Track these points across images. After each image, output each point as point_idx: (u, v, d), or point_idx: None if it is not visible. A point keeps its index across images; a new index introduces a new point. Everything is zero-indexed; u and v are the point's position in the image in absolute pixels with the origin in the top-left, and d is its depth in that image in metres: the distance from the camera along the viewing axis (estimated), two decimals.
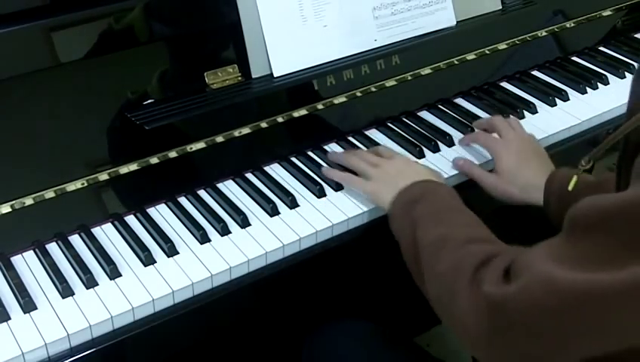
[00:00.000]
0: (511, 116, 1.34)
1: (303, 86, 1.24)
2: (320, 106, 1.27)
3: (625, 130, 0.78)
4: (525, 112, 1.39)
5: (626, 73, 1.53)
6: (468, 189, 1.20)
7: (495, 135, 1.23)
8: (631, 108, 0.79)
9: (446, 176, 1.21)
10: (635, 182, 0.71)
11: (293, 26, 1.23)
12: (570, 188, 0.94)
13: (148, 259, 1.03)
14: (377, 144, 1.28)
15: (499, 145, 1.19)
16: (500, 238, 0.96)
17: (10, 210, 1.04)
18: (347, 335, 1.16)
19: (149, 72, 1.15)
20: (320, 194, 1.16)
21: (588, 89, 1.47)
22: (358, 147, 1.28)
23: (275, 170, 1.23)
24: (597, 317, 0.70)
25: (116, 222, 1.10)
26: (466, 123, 1.34)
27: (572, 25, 1.59)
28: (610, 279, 0.68)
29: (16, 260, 1.04)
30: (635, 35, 1.69)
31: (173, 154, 1.15)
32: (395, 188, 1.04)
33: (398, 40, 1.33)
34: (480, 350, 0.80)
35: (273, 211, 1.13)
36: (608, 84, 1.50)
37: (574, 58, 1.59)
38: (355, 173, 1.16)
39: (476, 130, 1.29)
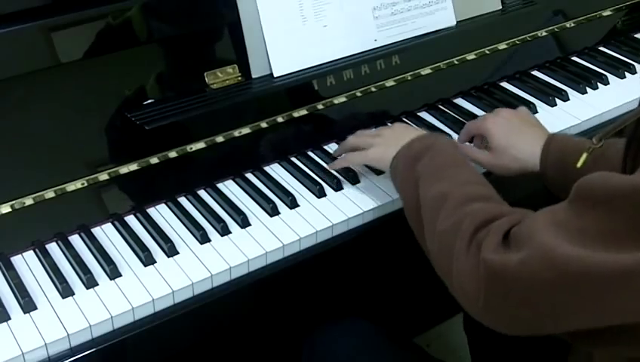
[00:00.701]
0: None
1: (303, 86, 1.24)
2: (320, 106, 1.27)
3: (638, 114, 0.78)
4: None
5: (626, 73, 1.53)
6: None
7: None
8: None
9: None
10: None
11: (293, 26, 1.23)
12: (578, 165, 0.93)
13: (148, 259, 1.04)
14: None
15: (488, 122, 1.19)
16: None
17: (10, 210, 1.04)
18: (347, 335, 1.16)
19: (149, 72, 1.15)
20: (320, 194, 1.16)
21: (588, 89, 1.47)
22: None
23: (275, 170, 1.23)
24: (593, 296, 0.70)
25: (116, 222, 1.10)
26: (465, 123, 1.34)
27: (572, 25, 1.59)
28: (611, 260, 0.68)
29: (16, 260, 1.04)
30: (635, 35, 1.69)
31: (173, 154, 1.15)
32: (396, 148, 1.04)
33: (398, 40, 1.33)
34: (474, 310, 0.81)
35: (273, 211, 1.13)
36: (608, 84, 1.50)
37: (574, 58, 1.59)
38: None
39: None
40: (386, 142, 1.09)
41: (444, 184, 0.92)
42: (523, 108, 1.25)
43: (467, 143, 1.23)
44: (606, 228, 0.69)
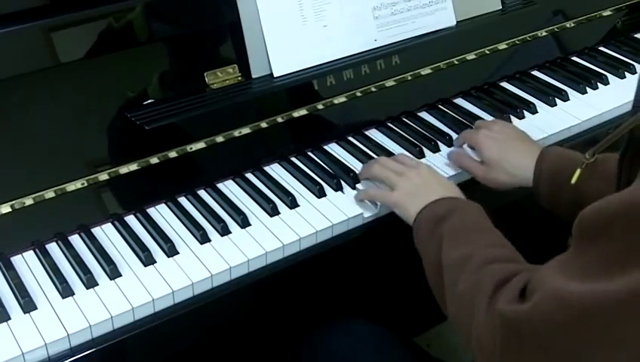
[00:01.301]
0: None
1: (303, 86, 1.24)
2: (320, 106, 1.27)
3: (630, 125, 0.77)
4: (525, 112, 1.39)
5: (626, 73, 1.53)
6: (468, 188, 1.19)
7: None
8: (637, 103, 0.79)
9: (446, 175, 1.21)
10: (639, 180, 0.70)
11: (293, 26, 1.23)
12: (573, 181, 0.93)
13: (148, 259, 1.04)
14: (377, 144, 1.28)
15: (480, 135, 1.19)
16: None
17: (10, 210, 1.04)
18: (347, 335, 1.16)
19: (149, 72, 1.15)
20: (320, 194, 1.16)
21: (588, 89, 1.47)
22: (357, 147, 1.28)
23: (275, 170, 1.23)
24: (607, 329, 0.69)
25: (116, 222, 1.10)
26: (466, 123, 1.34)
27: (572, 25, 1.59)
28: (616, 287, 0.67)
29: (16, 260, 1.04)
30: (635, 35, 1.69)
31: (173, 154, 1.15)
32: (420, 200, 1.02)
33: (398, 40, 1.33)
34: None
35: (273, 211, 1.13)
36: (608, 84, 1.50)
37: (574, 58, 1.59)
38: None
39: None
40: (409, 190, 1.07)
41: (468, 247, 0.91)
42: (514, 126, 1.25)
43: (465, 153, 1.23)
44: (609, 257, 0.68)
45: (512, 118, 1.36)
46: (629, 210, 0.67)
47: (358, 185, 1.18)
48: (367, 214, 1.13)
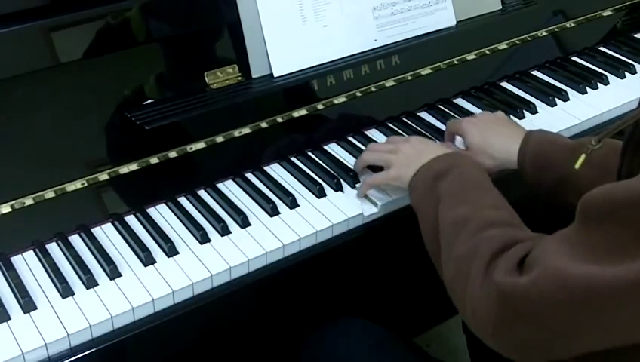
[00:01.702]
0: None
1: (303, 86, 1.24)
2: (320, 106, 1.27)
3: (636, 116, 0.78)
4: (525, 112, 1.39)
5: (626, 73, 1.53)
6: None
7: None
8: None
9: None
10: None
11: (293, 26, 1.23)
12: (577, 166, 0.93)
13: (148, 259, 1.04)
14: None
15: (463, 123, 1.20)
16: None
17: (10, 210, 1.04)
18: (347, 335, 1.16)
19: (149, 72, 1.15)
20: (320, 194, 1.16)
21: (588, 89, 1.47)
22: (357, 147, 1.28)
23: (275, 170, 1.23)
24: (605, 312, 0.69)
25: (116, 222, 1.10)
26: None
27: (572, 25, 1.59)
28: (621, 272, 0.67)
29: (16, 260, 1.04)
30: (635, 35, 1.69)
31: (173, 154, 1.15)
32: (417, 164, 1.02)
33: (398, 40, 1.33)
34: (485, 334, 0.80)
35: (273, 211, 1.13)
36: (608, 84, 1.50)
37: (574, 58, 1.59)
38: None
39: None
40: (406, 161, 1.06)
41: (466, 208, 0.90)
42: (500, 112, 1.25)
43: (449, 143, 1.23)
44: (614, 242, 0.69)
45: (512, 118, 1.36)
46: (637, 200, 0.67)
47: (358, 185, 1.18)
48: (367, 213, 1.13)
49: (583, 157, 0.93)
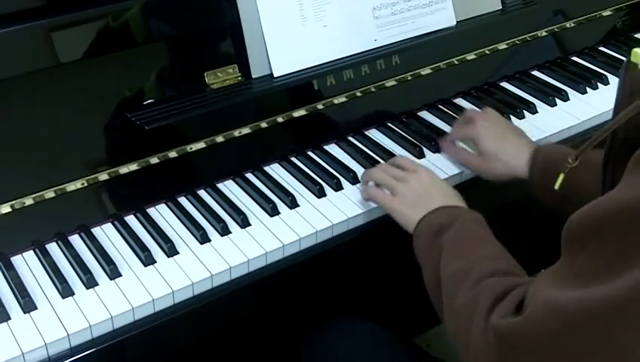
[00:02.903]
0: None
1: (303, 86, 1.24)
2: (320, 106, 1.27)
3: (612, 127, 0.77)
4: (525, 112, 1.39)
5: None
6: (469, 188, 1.20)
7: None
8: (617, 105, 0.79)
9: (447, 175, 1.21)
10: (630, 181, 0.69)
11: (293, 26, 1.23)
12: (556, 186, 0.93)
13: (148, 259, 1.04)
14: (377, 144, 1.28)
15: (477, 127, 1.20)
16: (499, 238, 0.96)
17: (10, 210, 1.04)
18: (347, 335, 1.16)
19: (149, 72, 1.15)
20: (320, 194, 1.16)
21: (588, 89, 1.47)
22: (357, 147, 1.28)
23: (275, 170, 1.23)
24: (602, 335, 0.68)
25: (116, 222, 1.10)
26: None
27: (572, 25, 1.59)
28: (611, 291, 0.66)
29: (16, 260, 1.04)
30: (635, 35, 1.69)
31: (173, 154, 1.15)
32: (420, 210, 1.02)
33: (398, 40, 1.33)
34: None
35: (273, 211, 1.13)
36: (608, 84, 1.50)
37: (574, 58, 1.59)
38: None
39: (457, 126, 1.29)
40: (410, 197, 1.06)
41: (466, 261, 0.90)
42: (502, 116, 1.26)
43: (460, 147, 1.23)
44: (599, 261, 0.68)
45: (512, 118, 1.36)
46: (616, 214, 0.67)
47: (358, 185, 1.18)
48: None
49: (561, 176, 0.94)
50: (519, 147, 1.15)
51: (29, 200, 1.05)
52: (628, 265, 0.66)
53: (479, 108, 1.40)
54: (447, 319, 0.90)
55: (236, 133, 1.20)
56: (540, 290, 0.73)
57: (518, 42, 1.50)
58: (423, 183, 1.08)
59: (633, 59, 0.76)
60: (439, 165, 1.23)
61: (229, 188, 1.19)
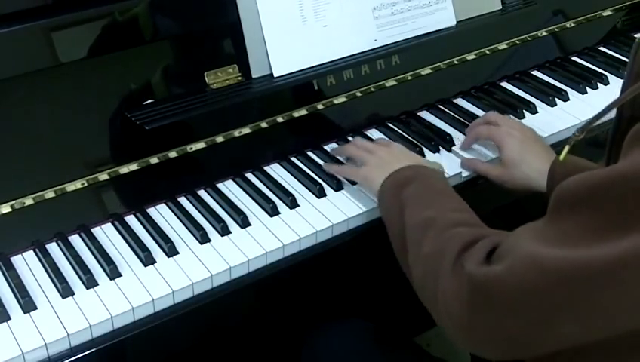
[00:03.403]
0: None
1: (303, 86, 1.24)
2: (320, 106, 1.27)
3: (618, 103, 0.78)
4: (525, 112, 1.39)
5: (626, 73, 1.53)
6: (469, 188, 1.20)
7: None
8: (625, 84, 0.79)
9: (447, 175, 1.21)
10: (627, 154, 0.70)
11: (293, 26, 1.23)
12: (561, 157, 0.93)
13: (148, 259, 1.04)
14: None
15: (502, 132, 1.20)
16: None
17: (10, 210, 1.04)
18: (347, 335, 1.16)
19: (149, 72, 1.15)
20: (320, 194, 1.16)
21: (588, 89, 1.47)
22: None
23: (275, 170, 1.23)
24: (582, 296, 0.68)
25: (116, 222, 1.10)
26: (466, 123, 1.34)
27: (572, 25, 1.59)
28: (595, 255, 0.67)
29: (16, 260, 1.04)
30: (635, 35, 1.69)
31: (173, 154, 1.15)
32: (386, 171, 1.04)
33: (398, 40, 1.33)
34: (461, 332, 0.79)
35: (273, 211, 1.13)
36: (608, 84, 1.50)
37: (574, 58, 1.59)
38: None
39: (476, 125, 1.29)
40: (378, 165, 1.08)
41: (430, 211, 0.91)
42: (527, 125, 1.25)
43: (477, 160, 1.23)
44: (588, 226, 0.68)
45: (512, 118, 1.36)
46: (611, 182, 0.67)
47: (358, 185, 1.18)
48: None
49: (566, 148, 0.93)
50: (541, 160, 1.13)
51: (29, 200, 1.05)
52: (618, 232, 0.66)
53: (479, 108, 1.40)
54: (412, 268, 0.90)
55: (236, 133, 1.20)
56: (523, 243, 0.73)
57: (518, 42, 1.50)
58: (392, 152, 1.11)
59: None
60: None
61: (229, 188, 1.19)
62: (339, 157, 1.23)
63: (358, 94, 1.31)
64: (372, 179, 1.07)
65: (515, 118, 1.36)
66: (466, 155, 1.25)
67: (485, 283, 0.74)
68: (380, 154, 1.11)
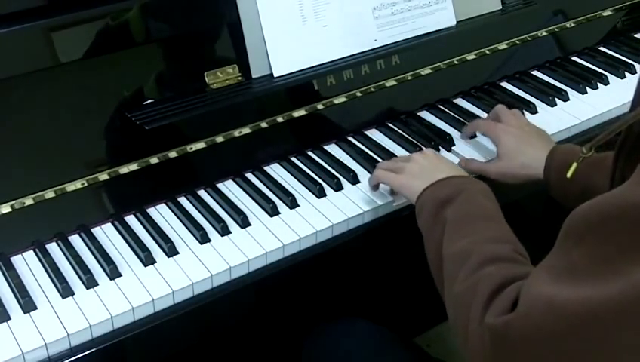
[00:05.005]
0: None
1: (303, 86, 1.24)
2: (320, 106, 1.27)
3: (629, 121, 0.77)
4: (525, 112, 1.39)
5: (626, 73, 1.53)
6: None
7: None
8: (635, 100, 0.78)
9: None
10: (636, 177, 0.67)
11: (293, 26, 1.23)
12: (568, 175, 0.92)
13: (148, 259, 1.04)
14: (377, 144, 1.28)
15: (498, 129, 1.20)
16: None
17: (10, 210, 1.04)
18: (347, 335, 1.16)
19: (149, 72, 1.15)
20: (320, 194, 1.16)
21: (588, 89, 1.47)
22: (357, 147, 1.28)
23: (275, 170, 1.23)
24: (600, 335, 0.67)
25: (116, 222, 1.10)
26: (466, 123, 1.34)
27: (572, 25, 1.59)
28: (611, 291, 0.65)
29: (16, 260, 1.04)
30: (635, 35, 1.69)
31: (173, 154, 1.15)
32: (426, 180, 1.01)
33: (398, 40, 1.33)
34: None
35: (273, 211, 1.13)
36: (608, 84, 1.50)
37: (574, 58, 1.59)
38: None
39: (477, 119, 1.30)
40: (417, 173, 1.06)
41: (468, 241, 0.89)
42: (526, 119, 1.25)
43: (471, 160, 1.23)
44: (598, 259, 0.67)
45: (515, 109, 1.36)
46: (621, 211, 0.65)
47: (358, 185, 1.18)
48: (397, 203, 1.13)
49: (574, 165, 0.93)
50: (539, 150, 1.14)
51: (29, 200, 1.05)
52: (630, 265, 0.65)
53: (479, 108, 1.40)
54: (447, 303, 0.89)
55: (236, 133, 1.20)
56: (535, 286, 0.71)
57: (518, 42, 1.50)
58: (429, 158, 1.08)
59: None
60: None
61: (229, 188, 1.19)
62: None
63: (358, 94, 1.31)
64: (410, 186, 1.04)
65: (517, 110, 1.35)
66: (465, 156, 1.25)
67: (504, 332, 0.73)
68: (417, 161, 1.08)
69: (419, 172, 1.06)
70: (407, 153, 1.26)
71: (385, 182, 1.13)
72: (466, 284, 0.84)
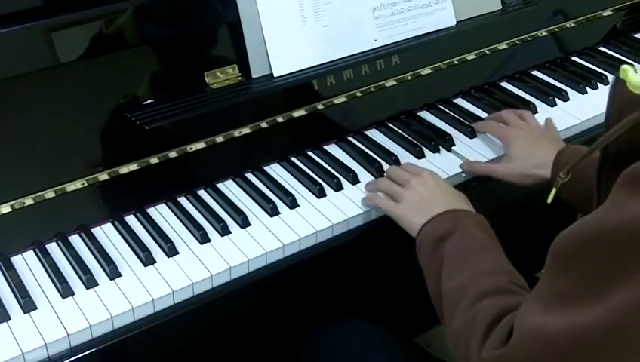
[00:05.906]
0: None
1: (303, 86, 1.24)
2: (320, 106, 1.27)
3: (603, 142, 0.77)
4: None
5: None
6: (469, 188, 1.20)
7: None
8: (608, 120, 0.78)
9: (447, 175, 1.21)
10: (613, 198, 0.68)
11: (293, 26, 1.23)
12: (548, 201, 0.94)
13: (148, 259, 1.04)
14: (377, 144, 1.28)
15: (507, 131, 1.22)
16: (499, 238, 0.96)
17: (10, 210, 1.04)
18: (347, 335, 1.16)
19: (149, 72, 1.15)
20: (320, 194, 1.17)
21: (588, 89, 1.47)
22: (357, 147, 1.28)
23: (275, 170, 1.23)
24: (592, 360, 0.67)
25: (116, 222, 1.10)
26: (466, 123, 1.34)
27: (572, 25, 1.59)
28: (595, 315, 0.65)
29: (16, 260, 1.04)
30: (635, 35, 1.69)
31: (173, 154, 1.15)
32: (423, 214, 1.02)
33: (398, 40, 1.33)
34: None
35: (273, 211, 1.13)
36: (608, 84, 1.49)
37: (574, 58, 1.59)
38: None
39: (490, 119, 1.31)
40: (414, 203, 1.06)
41: (465, 275, 0.90)
42: (538, 122, 1.26)
43: (478, 162, 1.24)
44: (581, 284, 0.67)
45: (524, 110, 1.36)
46: (600, 236, 0.66)
47: (358, 185, 1.18)
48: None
49: (553, 191, 0.94)
50: (547, 152, 1.14)
51: (29, 200, 1.05)
52: (609, 289, 0.65)
53: (479, 108, 1.40)
54: (448, 336, 0.90)
55: (236, 133, 1.20)
56: (525, 314, 0.72)
57: (518, 42, 1.50)
58: (427, 186, 1.08)
59: (622, 76, 0.75)
60: (439, 165, 1.23)
61: (229, 188, 1.19)
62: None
63: (358, 94, 1.31)
64: (409, 220, 1.05)
65: (527, 111, 1.34)
66: (465, 155, 1.25)
67: None
68: (414, 188, 1.08)
69: (417, 203, 1.06)
70: (407, 153, 1.26)
71: (382, 210, 1.12)
72: (463, 319, 0.85)
